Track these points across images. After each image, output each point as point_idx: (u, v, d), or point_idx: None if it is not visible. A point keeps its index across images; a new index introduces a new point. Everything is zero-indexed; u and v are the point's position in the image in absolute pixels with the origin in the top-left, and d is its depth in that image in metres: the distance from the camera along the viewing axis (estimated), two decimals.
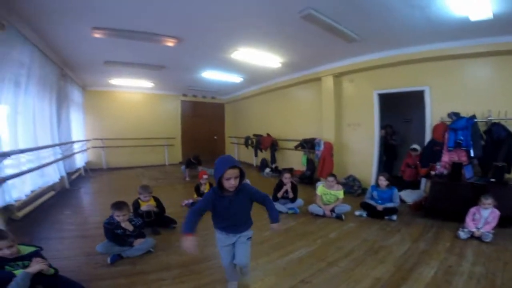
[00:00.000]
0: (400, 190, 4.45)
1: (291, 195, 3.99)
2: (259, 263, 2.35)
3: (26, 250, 1.75)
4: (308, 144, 6.37)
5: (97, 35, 3.76)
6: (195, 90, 9.08)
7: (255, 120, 9.10)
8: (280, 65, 5.61)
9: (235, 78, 7.09)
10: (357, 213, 3.81)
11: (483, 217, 2.87)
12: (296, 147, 6.74)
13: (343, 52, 4.79)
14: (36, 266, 1.63)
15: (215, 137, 10.89)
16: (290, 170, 6.76)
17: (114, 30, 3.68)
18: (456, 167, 3.47)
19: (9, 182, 2.95)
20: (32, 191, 3.75)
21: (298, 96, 7.15)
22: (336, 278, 2.11)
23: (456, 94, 4.11)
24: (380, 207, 3.65)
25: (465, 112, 3.82)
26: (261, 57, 5.08)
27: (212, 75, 6.60)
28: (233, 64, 5.58)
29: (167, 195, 4.41)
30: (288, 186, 4.02)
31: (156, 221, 3.13)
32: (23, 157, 3.43)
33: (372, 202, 3.77)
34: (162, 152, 9.23)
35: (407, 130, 6.41)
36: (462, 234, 2.86)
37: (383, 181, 3.76)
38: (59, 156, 4.95)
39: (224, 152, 10.95)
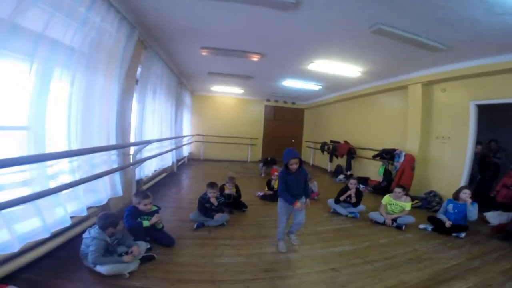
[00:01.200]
0: (488, 210, 3.96)
1: (353, 200, 4.11)
2: (303, 249, 2.75)
3: (152, 208, 2.73)
4: (387, 155, 6.07)
5: (204, 53, 4.98)
6: (277, 96, 9.97)
7: (333, 126, 9.14)
8: (359, 74, 5.65)
9: (313, 86, 7.46)
10: (421, 226, 3.62)
11: None
12: (374, 157, 6.50)
13: (432, 60, 4.44)
14: (154, 218, 2.59)
15: (293, 140, 11.46)
16: (365, 179, 6.62)
17: (215, 49, 4.80)
18: None
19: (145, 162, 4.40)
20: (155, 171, 5.33)
21: (380, 104, 6.85)
22: (364, 273, 2.30)
23: None
24: (448, 223, 3.38)
25: None
26: (337, 67, 5.30)
27: (291, 83, 7.23)
28: (311, 74, 6.01)
29: (244, 186, 5.19)
30: (352, 191, 4.15)
31: (233, 204, 3.95)
32: (154, 144, 4.97)
33: (442, 217, 3.50)
34: (246, 149, 10.53)
35: None
36: None
37: (466, 194, 3.43)
38: (174, 146, 6.67)
39: (300, 155, 11.31)
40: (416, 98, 5.39)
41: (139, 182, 4.24)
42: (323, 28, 3.56)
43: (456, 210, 3.45)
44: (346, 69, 5.39)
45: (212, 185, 3.42)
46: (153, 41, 4.49)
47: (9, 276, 1.74)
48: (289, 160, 2.54)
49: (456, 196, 3.56)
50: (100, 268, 1.95)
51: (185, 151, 8.75)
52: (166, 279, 1.98)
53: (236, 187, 4.11)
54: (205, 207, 3.31)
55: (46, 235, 2.01)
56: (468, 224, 3.39)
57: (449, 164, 4.92)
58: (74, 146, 2.53)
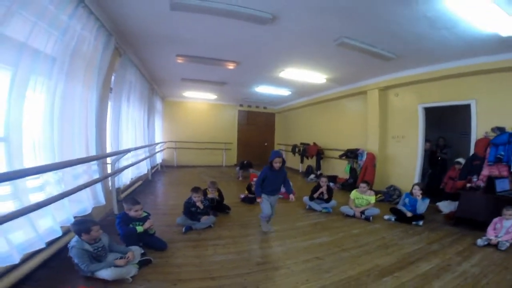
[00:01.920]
0: (440, 200, 4.61)
1: (325, 196, 4.52)
2: (286, 243, 3.02)
3: (142, 214, 2.76)
4: (352, 154, 6.69)
5: (179, 60, 5.04)
6: (249, 101, 10.28)
7: (302, 129, 9.69)
8: (325, 80, 6.18)
9: (283, 92, 7.91)
10: (386, 217, 4.10)
11: (505, 227, 2.98)
12: (340, 156, 7.10)
13: (387, 68, 5.08)
14: (147, 224, 2.65)
15: (265, 144, 11.85)
16: (334, 177, 7.18)
17: (192, 56, 4.90)
18: (490, 180, 3.51)
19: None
20: (131, 179, 5.21)
21: (344, 108, 7.51)
22: (344, 259, 2.63)
23: (503, 108, 4.02)
24: (409, 214, 3.90)
25: None
26: (306, 75, 5.76)
27: (263, 89, 7.59)
28: (282, 81, 6.42)
29: (223, 190, 5.32)
30: (324, 189, 4.56)
31: (217, 207, 4.08)
32: (130, 153, 4.87)
33: (402, 208, 4.03)
34: (220, 154, 10.61)
35: (465, 144, 6.11)
36: (480, 241, 3.00)
37: (417, 191, 4.00)
38: (147, 154, 6.53)
39: None
40: (374, 102, 6.07)
41: (117, 191, 4.15)
42: (295, 40, 3.92)
43: (411, 203, 4.00)
44: (313, 76, 5.87)
45: (196, 189, 3.53)
46: (128, 47, 4.46)
47: None
48: (274, 158, 3.09)
49: (411, 191, 4.12)
50: (102, 274, 1.98)
51: (158, 158, 8.57)
52: (167, 280, 2.07)
53: (219, 190, 4.26)
54: (191, 211, 3.41)
55: (42, 245, 1.99)
56: (424, 214, 3.91)
57: (404, 161, 5.64)
58: (56, 156, 2.46)
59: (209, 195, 4.08)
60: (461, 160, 4.67)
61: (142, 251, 2.45)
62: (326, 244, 3.03)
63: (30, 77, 2.12)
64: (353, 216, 4.11)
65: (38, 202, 1.86)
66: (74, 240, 2.06)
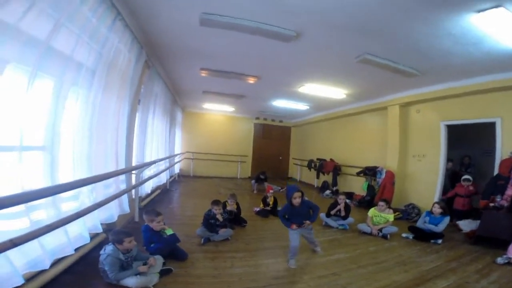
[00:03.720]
0: (461, 219, 4.49)
1: (343, 213, 4.47)
2: (303, 258, 3.00)
3: (167, 231, 2.86)
4: (370, 172, 6.58)
5: (203, 74, 5.29)
6: (266, 114, 10.44)
7: (319, 144, 9.65)
8: (344, 96, 6.22)
9: (301, 106, 8.01)
10: (404, 235, 4.03)
11: None
12: (358, 174, 7.00)
13: (408, 83, 5.04)
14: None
15: (280, 158, 11.86)
16: (350, 194, 7.05)
17: (215, 71, 5.14)
18: None
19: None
20: (152, 188, 5.41)
21: (363, 124, 7.46)
22: (360, 276, 2.63)
23: None
24: (431, 226, 3.85)
25: None
26: (325, 90, 5.85)
27: (282, 103, 7.73)
28: (300, 95, 6.53)
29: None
30: (341, 206, 4.52)
31: (234, 219, 4.14)
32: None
33: (422, 227, 3.94)
34: (235, 166, 10.74)
35: (488, 162, 5.87)
36: (500, 260, 2.99)
37: (437, 208, 3.94)
38: (168, 165, 6.76)
39: (288, 172, 11.82)
40: (395, 118, 6.00)
41: (139, 199, 4.33)
42: (316, 56, 4.06)
43: (431, 222, 3.93)
44: (333, 91, 5.95)
45: (217, 202, 3.62)
46: (155, 60, 4.70)
47: None
48: (293, 193, 2.84)
49: (431, 210, 4.05)
50: (127, 282, 2.08)
51: (176, 168, 8.82)
52: None
53: (237, 203, 4.33)
54: (210, 223, 3.49)
55: (71, 251, 2.13)
56: (443, 232, 3.83)
57: (424, 179, 5.48)
58: (91, 167, 2.64)
59: (228, 207, 4.16)
60: (469, 177, 4.74)
61: (163, 261, 2.54)
62: (342, 260, 3.01)
63: (71, 89, 2.27)
64: (370, 234, 4.04)
65: (78, 212, 2.01)
66: (109, 248, 2.16)
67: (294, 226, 2.84)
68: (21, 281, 1.64)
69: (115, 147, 3.25)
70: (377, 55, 3.75)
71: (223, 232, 3.46)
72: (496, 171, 4.15)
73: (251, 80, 5.45)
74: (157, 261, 2.38)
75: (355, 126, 7.76)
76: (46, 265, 1.87)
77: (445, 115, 5.14)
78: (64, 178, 2.20)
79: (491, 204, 3.84)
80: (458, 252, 3.40)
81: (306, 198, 3.18)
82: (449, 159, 5.30)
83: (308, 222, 2.92)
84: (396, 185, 5.80)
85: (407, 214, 5.32)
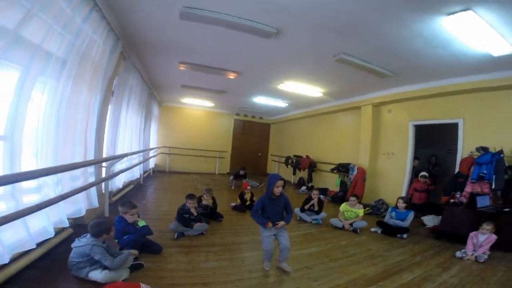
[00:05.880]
0: (425, 215, 4.82)
1: (316, 208, 4.62)
2: (276, 252, 2.97)
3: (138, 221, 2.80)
4: (343, 168, 6.85)
5: (182, 67, 5.16)
6: (246, 110, 10.46)
7: (296, 141, 9.87)
8: (321, 94, 6.40)
9: (281, 103, 8.12)
10: (372, 229, 4.25)
11: (479, 241, 3.20)
12: (332, 170, 7.26)
13: (381, 84, 5.29)
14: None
15: (259, 154, 11.96)
16: (325, 190, 7.30)
17: (194, 64, 5.04)
18: (472, 196, 3.77)
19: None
20: (124, 182, 5.20)
21: (338, 122, 7.73)
22: (332, 269, 2.73)
23: (488, 127, 4.25)
24: (397, 222, 4.10)
25: (498, 146, 3.91)
26: (303, 88, 5.98)
27: (262, 100, 7.79)
28: (280, 92, 6.62)
29: (215, 198, 5.44)
30: (314, 201, 4.67)
31: (209, 214, 4.11)
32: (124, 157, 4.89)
33: (389, 222, 4.18)
34: (214, 162, 10.65)
35: (451, 161, 6.37)
36: (458, 254, 3.23)
37: (401, 203, 4.20)
38: (141, 159, 6.53)
39: (266, 168, 11.93)
40: (368, 117, 6.29)
41: (109, 194, 4.15)
42: (296, 54, 4.13)
43: (397, 217, 4.18)
44: (311, 89, 6.10)
45: (191, 196, 3.59)
46: (133, 52, 4.55)
47: None
48: (276, 182, 2.56)
49: (396, 205, 4.30)
50: (94, 275, 2.01)
51: (151, 163, 8.54)
52: (159, 284, 2.10)
53: (213, 198, 4.31)
54: (184, 217, 3.44)
55: (32, 245, 2.01)
56: (409, 227, 4.06)
57: (393, 176, 5.83)
58: (57, 158, 2.49)
59: (204, 202, 4.13)
60: (425, 174, 5.20)
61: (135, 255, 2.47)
62: (315, 254, 3.11)
63: (38, 79, 2.15)
64: (342, 228, 4.22)
65: (38, 204, 1.88)
66: (90, 240, 2.10)
67: (270, 225, 2.57)
68: None
69: (83, 138, 3.09)
70: (353, 55, 3.90)
71: (198, 226, 3.43)
72: (457, 169, 4.49)
73: (232, 76, 5.42)
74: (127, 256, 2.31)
75: (331, 124, 8.02)
76: (6, 260, 1.77)
77: (414, 115, 5.48)
78: (26, 169, 2.06)
79: (452, 201, 4.14)
80: (422, 246, 3.60)
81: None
82: (416, 157, 5.67)
83: (282, 223, 2.62)
84: (367, 181, 6.11)
85: (377, 209, 5.63)
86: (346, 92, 6.32)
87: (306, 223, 4.48)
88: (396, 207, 4.28)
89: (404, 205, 4.19)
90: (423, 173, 5.29)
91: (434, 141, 6.51)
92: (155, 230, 3.31)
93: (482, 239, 3.20)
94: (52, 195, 2.31)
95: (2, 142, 1.95)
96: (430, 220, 4.58)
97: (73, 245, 2.12)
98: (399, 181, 5.63)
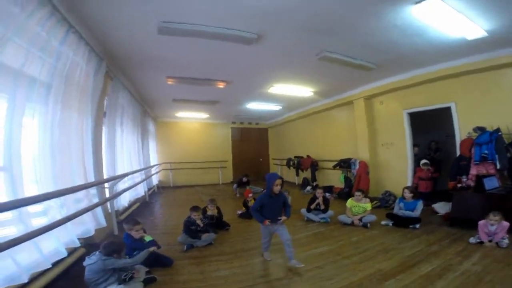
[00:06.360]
0: (434, 202, 4.75)
1: (322, 207, 4.59)
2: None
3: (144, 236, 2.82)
4: (345, 164, 6.85)
5: (170, 82, 5.20)
6: (242, 118, 10.51)
7: (295, 142, 9.87)
8: (312, 93, 6.46)
9: (274, 107, 8.19)
10: (383, 222, 4.17)
11: (491, 231, 3.07)
12: (334, 167, 7.25)
13: (369, 77, 5.34)
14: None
15: (261, 160, 11.96)
16: (330, 188, 7.27)
17: (182, 78, 5.08)
18: (479, 179, 3.67)
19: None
20: (129, 201, 5.19)
21: (333, 119, 7.77)
22: (345, 267, 2.65)
23: (481, 108, 4.27)
24: (403, 215, 4.02)
25: (495, 125, 3.92)
26: (294, 89, 6.04)
27: (255, 105, 7.85)
28: (271, 96, 6.68)
29: (220, 208, 5.34)
30: (320, 200, 4.64)
31: (216, 224, 4.08)
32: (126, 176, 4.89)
33: (399, 213, 4.12)
34: (216, 173, 10.62)
35: (452, 145, 6.37)
36: (472, 239, 3.13)
37: (407, 193, 4.14)
38: (143, 177, 6.53)
39: (269, 172, 11.81)
40: (361, 111, 6.32)
41: (117, 213, 4.16)
42: (280, 57, 4.19)
43: (406, 207, 4.08)
44: (301, 90, 6.16)
45: (195, 208, 3.59)
46: (119, 71, 4.56)
47: None
48: (274, 180, 2.66)
49: (402, 195, 4.22)
50: None
51: (154, 179, 8.53)
52: None
53: (217, 208, 4.29)
54: (191, 229, 3.42)
55: (47, 265, 2.05)
56: (420, 216, 3.96)
57: (395, 166, 5.82)
58: (57, 183, 2.50)
59: (209, 212, 4.12)
60: (426, 161, 5.16)
61: (147, 269, 2.46)
62: (326, 253, 3.06)
63: (26, 105, 2.15)
64: (351, 224, 4.16)
65: (45, 226, 1.93)
66: (99, 256, 2.13)
67: (267, 222, 2.70)
68: None
69: (81, 162, 3.10)
70: (336, 51, 3.95)
71: (206, 237, 3.42)
72: (458, 153, 4.48)
73: (221, 85, 5.47)
74: (140, 271, 2.33)
75: (327, 122, 8.05)
76: (24, 279, 1.84)
77: (407, 103, 5.51)
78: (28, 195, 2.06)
79: (459, 185, 4.05)
80: (437, 236, 3.47)
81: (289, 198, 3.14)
82: (415, 144, 5.67)
83: (284, 217, 2.79)
84: (371, 174, 6.09)
85: (385, 202, 5.53)
86: (336, 89, 6.38)
87: (314, 222, 4.44)
88: (403, 197, 4.21)
89: (411, 194, 4.12)
90: (424, 161, 5.26)
91: (431, 127, 6.52)
92: (164, 244, 3.31)
93: (493, 229, 3.07)
94: (58, 217, 2.31)
95: (2, 172, 1.95)
96: (441, 207, 4.51)
97: (85, 263, 2.13)
98: (402, 170, 5.62)
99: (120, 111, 4.85)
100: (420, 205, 4.02)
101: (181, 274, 2.54)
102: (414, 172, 5.48)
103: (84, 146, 3.20)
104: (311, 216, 4.56)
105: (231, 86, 5.60)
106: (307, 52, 3.96)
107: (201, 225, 3.50)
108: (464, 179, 4.04)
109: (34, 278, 2.02)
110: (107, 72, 4.00)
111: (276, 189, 2.69)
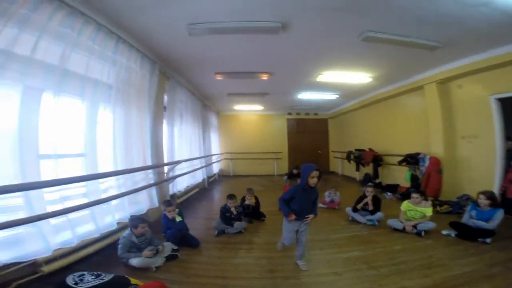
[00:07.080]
0: None
1: (370, 207, 4.13)
2: (310, 254, 2.86)
3: (177, 218, 3.25)
4: (412, 159, 5.90)
5: (218, 77, 5.57)
6: (297, 108, 10.25)
7: (357, 134, 9.04)
8: (370, 79, 5.74)
9: (330, 96, 7.64)
10: (444, 232, 3.47)
11: None
12: (399, 163, 6.33)
13: (440, 58, 4.41)
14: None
15: (319, 152, 11.45)
16: (395, 187, 6.40)
17: (227, 73, 5.36)
18: None
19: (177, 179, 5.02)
20: (187, 186, 5.91)
21: (400, 107, 6.73)
22: (366, 278, 2.35)
23: None
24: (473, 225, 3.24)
25: None
26: (346, 76, 5.51)
27: (307, 95, 7.53)
28: (323, 85, 6.25)
29: (268, 198, 5.45)
30: (368, 199, 4.19)
31: (252, 213, 4.27)
32: (185, 163, 5.57)
33: (469, 223, 3.34)
34: (272, 164, 10.85)
35: None
36: None
37: (483, 200, 3.28)
38: (204, 164, 7.29)
39: (328, 166, 11.34)
40: (433, 97, 5.27)
41: (173, 196, 4.80)
42: (316, 43, 3.90)
43: (479, 217, 3.26)
44: (355, 76, 5.56)
45: (231, 196, 3.83)
46: (173, 71, 5.12)
47: (68, 266, 2.34)
48: (311, 172, 2.43)
49: (476, 202, 3.37)
50: (132, 261, 2.45)
51: (215, 168, 9.39)
52: (184, 273, 2.40)
53: (255, 198, 4.44)
54: (225, 216, 3.70)
55: (97, 234, 2.65)
56: (496, 229, 3.14)
57: (479, 164, 4.66)
58: (120, 167, 3.14)
59: (246, 202, 4.31)
60: None
61: (176, 247, 2.85)
62: (353, 259, 2.78)
63: (96, 103, 2.84)
64: (403, 231, 3.60)
65: (110, 196, 2.68)
66: (126, 232, 2.62)
67: (293, 217, 2.49)
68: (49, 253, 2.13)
69: (142, 150, 3.72)
70: (379, 30, 3.40)
71: (237, 225, 3.63)
72: None
73: (264, 77, 5.49)
74: (165, 248, 2.72)
75: (392, 110, 7.04)
76: (74, 243, 2.38)
77: (494, 88, 4.29)
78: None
79: None
80: (510, 255, 2.74)
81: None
82: (508, 137, 4.37)
83: (312, 216, 2.55)
84: (445, 173, 5.09)
85: (459, 207, 4.51)
86: (400, 73, 5.48)
87: (359, 224, 4.05)
88: (477, 204, 3.38)
89: (488, 201, 3.24)
90: None
91: None
92: (202, 228, 3.75)
93: None
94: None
95: (83, 158, 2.68)
96: None
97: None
98: (489, 170, 4.45)
99: (178, 106, 5.50)
100: (499, 214, 3.15)
101: (202, 255, 2.83)
102: (506, 172, 4.26)
103: (144, 137, 3.82)
104: (357, 216, 4.17)
105: (275, 77, 5.55)
106: (345, 35, 3.56)
107: (235, 213, 3.72)
108: None
109: (85, 245, 2.62)
110: (163, 73, 4.61)
111: (312, 181, 2.44)
